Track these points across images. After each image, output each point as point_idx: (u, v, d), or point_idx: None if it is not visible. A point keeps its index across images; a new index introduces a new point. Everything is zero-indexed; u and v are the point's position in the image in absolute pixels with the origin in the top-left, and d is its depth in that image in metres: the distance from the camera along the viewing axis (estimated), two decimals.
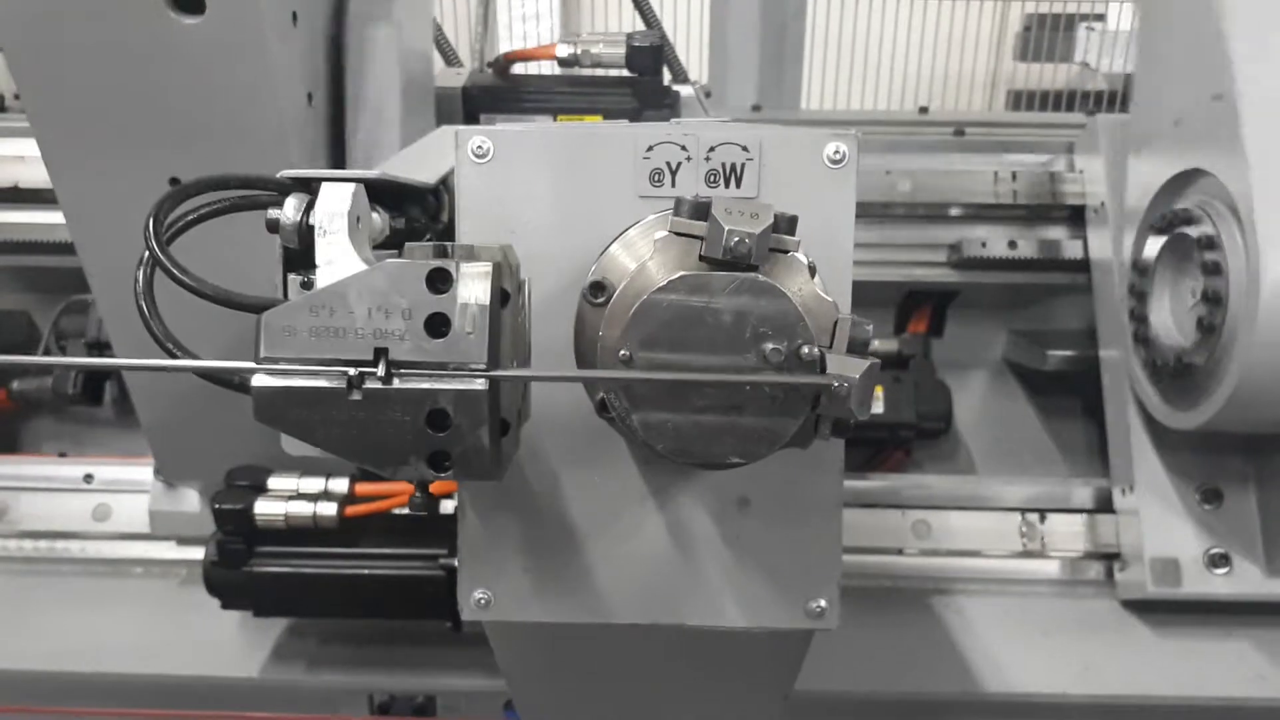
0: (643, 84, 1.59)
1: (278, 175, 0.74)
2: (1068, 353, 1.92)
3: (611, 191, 0.79)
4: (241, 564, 1.39)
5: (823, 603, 0.85)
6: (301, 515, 1.36)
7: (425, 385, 0.63)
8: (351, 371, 0.62)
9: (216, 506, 1.37)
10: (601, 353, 0.69)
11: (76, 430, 2.05)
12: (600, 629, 0.86)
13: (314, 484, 1.39)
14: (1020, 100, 3.14)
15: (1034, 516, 1.76)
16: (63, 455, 1.98)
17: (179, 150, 1.23)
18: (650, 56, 1.57)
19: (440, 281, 0.62)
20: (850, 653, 1.53)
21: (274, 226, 0.72)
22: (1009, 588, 1.72)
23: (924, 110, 2.26)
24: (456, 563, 0.85)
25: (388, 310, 0.62)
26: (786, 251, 0.68)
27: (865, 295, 0.80)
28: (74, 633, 1.59)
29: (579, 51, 1.59)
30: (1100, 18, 2.95)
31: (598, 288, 0.72)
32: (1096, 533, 1.73)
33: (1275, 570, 1.56)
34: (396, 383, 0.63)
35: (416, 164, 0.92)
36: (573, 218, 0.79)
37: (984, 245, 1.92)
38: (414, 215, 0.84)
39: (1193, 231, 1.41)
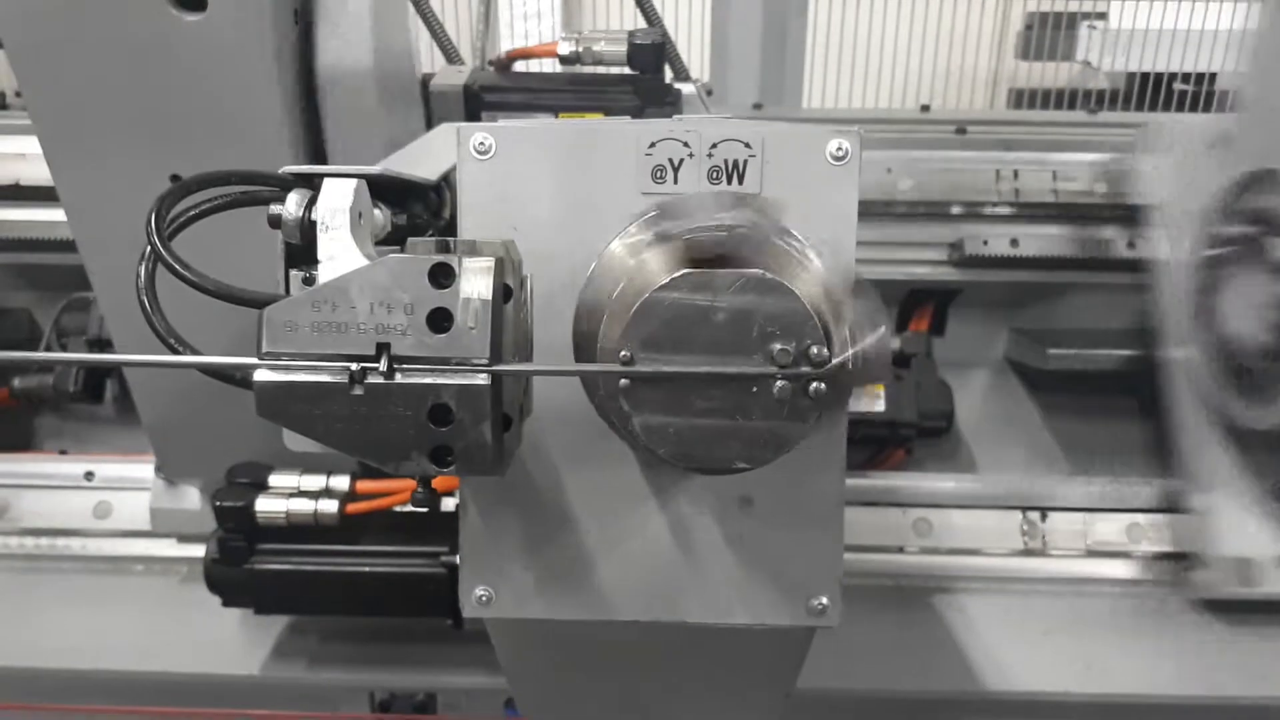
0: (644, 82, 1.58)
1: (280, 171, 0.74)
2: (1071, 351, 1.91)
3: (613, 188, 0.79)
4: (242, 561, 1.39)
5: (824, 600, 0.84)
6: (303, 512, 1.36)
7: (427, 380, 0.62)
8: (354, 367, 0.62)
9: (217, 504, 1.37)
10: (602, 354, 0.68)
11: (77, 428, 2.06)
12: (602, 626, 0.86)
13: (315, 481, 1.39)
14: (1022, 99, 3.13)
15: (1035, 515, 1.76)
16: (64, 453, 1.98)
17: (180, 147, 1.23)
18: (652, 54, 1.57)
19: (442, 277, 0.62)
20: (851, 650, 1.53)
21: (276, 222, 0.72)
22: (1010, 586, 1.72)
23: (926, 108, 2.26)
24: (458, 560, 0.85)
25: (390, 305, 0.62)
26: (792, 248, 0.68)
27: None
28: (75, 630, 1.59)
29: (580, 49, 1.58)
30: (1102, 16, 2.94)
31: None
32: (1097, 530, 1.73)
33: None
34: (399, 378, 0.62)
35: (418, 161, 0.92)
36: (574, 214, 0.79)
37: (985, 244, 1.92)
38: (416, 211, 0.84)
39: (1270, 229, 1.40)
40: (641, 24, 1.77)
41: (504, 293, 0.64)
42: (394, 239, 0.77)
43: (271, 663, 1.54)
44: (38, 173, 1.81)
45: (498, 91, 1.61)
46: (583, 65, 1.60)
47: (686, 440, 0.67)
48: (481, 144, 0.78)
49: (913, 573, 1.74)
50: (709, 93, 2.13)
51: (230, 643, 1.56)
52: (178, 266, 0.68)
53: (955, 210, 1.97)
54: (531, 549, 0.84)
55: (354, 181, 0.71)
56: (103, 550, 1.75)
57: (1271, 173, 1.44)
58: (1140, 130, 1.91)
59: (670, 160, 0.78)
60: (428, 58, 1.62)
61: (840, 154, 0.78)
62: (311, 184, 0.72)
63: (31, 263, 1.97)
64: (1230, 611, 1.63)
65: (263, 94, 1.19)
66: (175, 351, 0.71)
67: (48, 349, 1.95)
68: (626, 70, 1.59)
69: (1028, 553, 1.74)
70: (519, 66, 1.71)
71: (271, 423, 0.64)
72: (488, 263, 0.63)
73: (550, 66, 1.70)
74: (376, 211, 0.76)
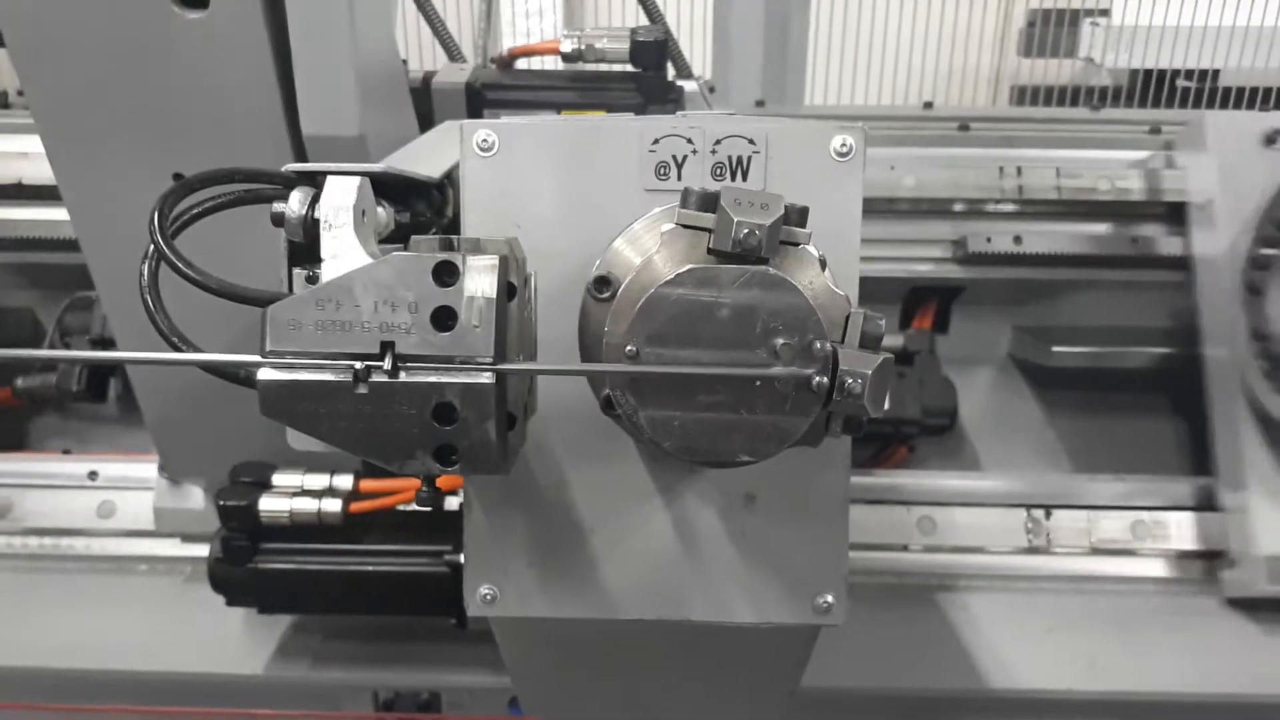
0: (646, 79, 1.58)
1: (283, 169, 0.74)
2: (1075, 349, 1.91)
3: (617, 185, 0.78)
4: (246, 561, 1.39)
5: (829, 598, 0.84)
6: (306, 511, 1.36)
7: (431, 379, 0.62)
8: (358, 365, 0.62)
9: (221, 503, 1.37)
10: (607, 349, 0.68)
11: (81, 427, 2.05)
12: (606, 624, 0.86)
13: (319, 480, 1.39)
14: (1025, 96, 3.13)
15: (1039, 512, 1.75)
16: (67, 452, 1.98)
17: (183, 145, 1.22)
18: (654, 51, 1.57)
19: (446, 275, 0.62)
20: (855, 648, 1.53)
21: (279, 220, 0.72)
22: (1014, 583, 1.72)
23: (928, 105, 2.26)
24: (462, 558, 0.84)
25: (394, 304, 0.62)
26: (797, 244, 0.67)
27: (870, 290, 0.80)
28: (78, 630, 1.59)
29: (583, 46, 1.58)
30: (1105, 13, 2.93)
31: (602, 282, 0.71)
32: (1101, 527, 1.72)
33: None
34: (403, 376, 0.62)
35: (421, 158, 0.92)
36: (578, 211, 0.79)
37: (989, 241, 1.91)
38: (419, 209, 0.84)
39: None
40: (644, 21, 1.77)
41: (508, 291, 0.64)
42: (397, 237, 0.77)
43: (275, 662, 1.54)
44: (40, 172, 1.81)
45: (500, 89, 1.61)
46: (585, 62, 1.60)
47: (691, 433, 0.67)
48: (484, 141, 0.78)
49: (916, 570, 1.73)
50: (711, 90, 2.13)
51: (234, 642, 1.56)
52: (181, 265, 0.68)
53: (958, 207, 1.97)
54: (536, 547, 0.84)
55: (357, 179, 0.71)
56: (106, 550, 1.75)
57: None
58: (1186, 127, 1.90)
59: (674, 157, 0.78)
60: (430, 55, 1.62)
61: (844, 150, 0.77)
62: (315, 182, 0.72)
63: (34, 262, 1.97)
64: (1256, 610, 1.62)
65: (265, 91, 1.19)
66: (179, 350, 0.71)
67: (51, 348, 1.95)
68: (629, 67, 1.60)
69: (1032, 550, 1.74)
70: (521, 64, 1.71)
71: (275, 422, 0.64)
72: (492, 261, 0.63)
73: (552, 64, 1.70)
74: (380, 209, 0.76)
